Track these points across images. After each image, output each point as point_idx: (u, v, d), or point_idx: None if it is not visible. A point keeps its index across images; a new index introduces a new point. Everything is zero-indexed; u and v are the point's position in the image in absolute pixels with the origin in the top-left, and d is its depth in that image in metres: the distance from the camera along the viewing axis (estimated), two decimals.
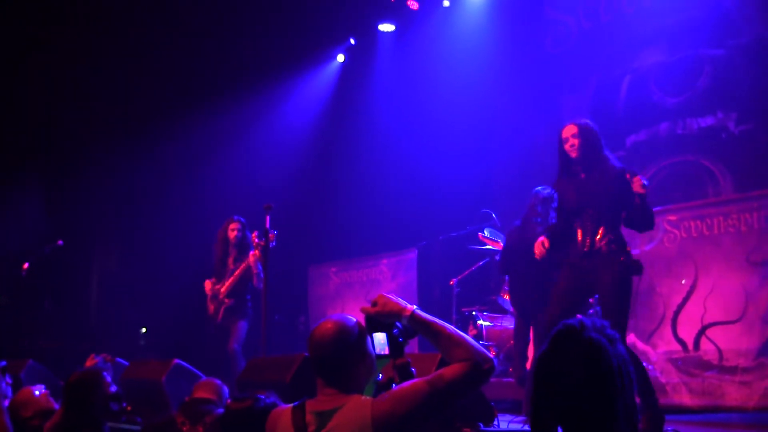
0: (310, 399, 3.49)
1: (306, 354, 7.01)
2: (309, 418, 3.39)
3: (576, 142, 6.54)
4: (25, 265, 10.77)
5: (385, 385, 3.55)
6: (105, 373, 5.74)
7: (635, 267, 6.45)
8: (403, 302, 3.51)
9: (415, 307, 3.49)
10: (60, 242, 11.08)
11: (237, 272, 10.07)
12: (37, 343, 12.88)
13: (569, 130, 6.61)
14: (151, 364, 8.74)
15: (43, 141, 14.31)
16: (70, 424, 5.29)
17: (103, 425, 5.48)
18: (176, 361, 8.21)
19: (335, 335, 3.47)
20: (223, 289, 10.14)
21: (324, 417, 3.37)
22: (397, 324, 3.53)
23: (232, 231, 10.24)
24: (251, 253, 9.91)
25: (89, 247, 15.27)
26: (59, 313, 14.55)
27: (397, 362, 3.54)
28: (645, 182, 6.20)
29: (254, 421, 3.91)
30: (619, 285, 6.32)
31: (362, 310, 3.56)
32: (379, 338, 3.58)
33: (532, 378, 2.68)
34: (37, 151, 14.23)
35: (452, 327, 3.49)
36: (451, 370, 3.36)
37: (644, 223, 6.51)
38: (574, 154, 6.56)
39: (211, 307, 10.25)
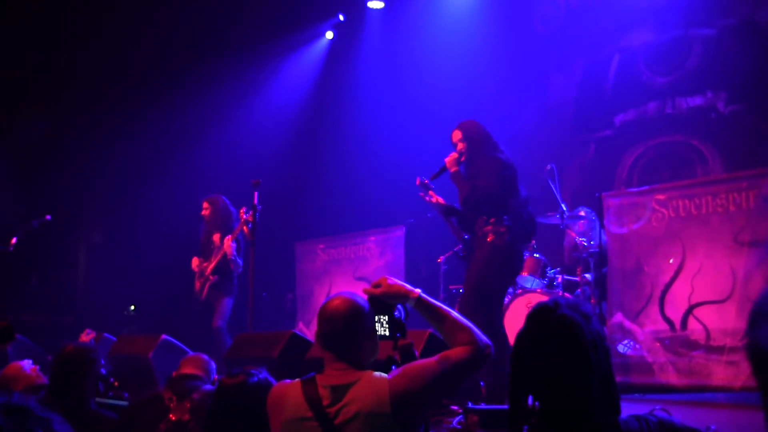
0: (319, 374, 3.52)
1: (294, 330, 7.03)
2: (322, 391, 3.42)
3: None
4: (13, 240, 10.72)
5: (385, 365, 3.59)
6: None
7: None
8: (408, 285, 3.59)
9: (420, 290, 3.58)
10: (48, 217, 11.03)
11: (221, 251, 10.12)
12: (23, 318, 12.85)
13: None
14: (139, 340, 8.74)
15: (28, 115, 14.23)
16: (56, 398, 5.26)
17: (90, 402, 5.47)
18: (164, 336, 8.20)
19: (349, 310, 3.52)
20: (209, 267, 10.19)
21: (338, 391, 3.40)
22: (398, 306, 3.57)
23: (204, 210, 10.51)
24: (227, 237, 10.02)
25: (77, 222, 15.21)
26: (46, 288, 14.53)
27: (400, 343, 3.60)
28: None
29: (247, 396, 3.94)
30: None
31: (365, 291, 3.61)
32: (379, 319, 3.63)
33: (511, 356, 2.72)
34: (23, 125, 14.16)
35: (455, 312, 3.57)
36: (456, 353, 3.45)
37: None
38: None
39: (198, 284, 10.31)
